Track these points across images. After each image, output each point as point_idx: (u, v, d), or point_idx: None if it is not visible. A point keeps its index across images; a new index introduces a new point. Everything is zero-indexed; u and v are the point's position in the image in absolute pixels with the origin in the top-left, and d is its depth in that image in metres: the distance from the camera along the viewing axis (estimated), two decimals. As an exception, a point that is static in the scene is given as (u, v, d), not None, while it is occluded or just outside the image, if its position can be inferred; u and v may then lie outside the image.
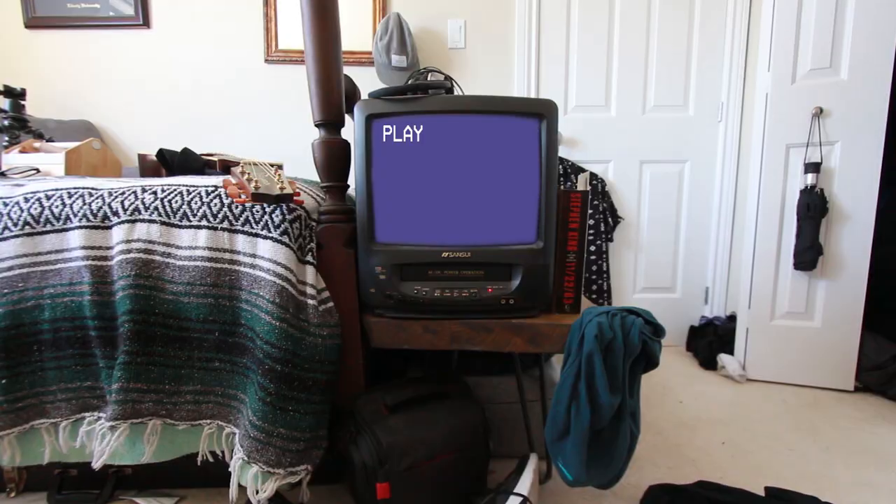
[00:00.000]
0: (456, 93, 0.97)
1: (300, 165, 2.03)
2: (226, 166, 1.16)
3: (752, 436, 1.29)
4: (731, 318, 2.01)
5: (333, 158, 0.86)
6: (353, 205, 0.89)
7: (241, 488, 0.80)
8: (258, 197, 0.74)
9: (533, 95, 2.08)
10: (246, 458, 0.77)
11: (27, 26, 2.01)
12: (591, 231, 2.08)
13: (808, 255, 1.56)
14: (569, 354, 0.79)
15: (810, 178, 1.57)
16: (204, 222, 0.83)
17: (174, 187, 0.86)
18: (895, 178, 1.63)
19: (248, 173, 0.81)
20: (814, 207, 1.55)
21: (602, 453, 0.76)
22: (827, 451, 1.21)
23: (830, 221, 1.59)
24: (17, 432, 0.82)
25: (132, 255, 0.80)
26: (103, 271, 0.81)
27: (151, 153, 1.19)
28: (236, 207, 0.84)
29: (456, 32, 2.05)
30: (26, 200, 0.84)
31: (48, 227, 0.83)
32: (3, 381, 0.80)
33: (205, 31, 2.04)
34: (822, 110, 1.56)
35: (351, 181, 0.92)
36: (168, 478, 0.99)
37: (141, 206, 0.83)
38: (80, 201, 0.84)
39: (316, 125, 0.85)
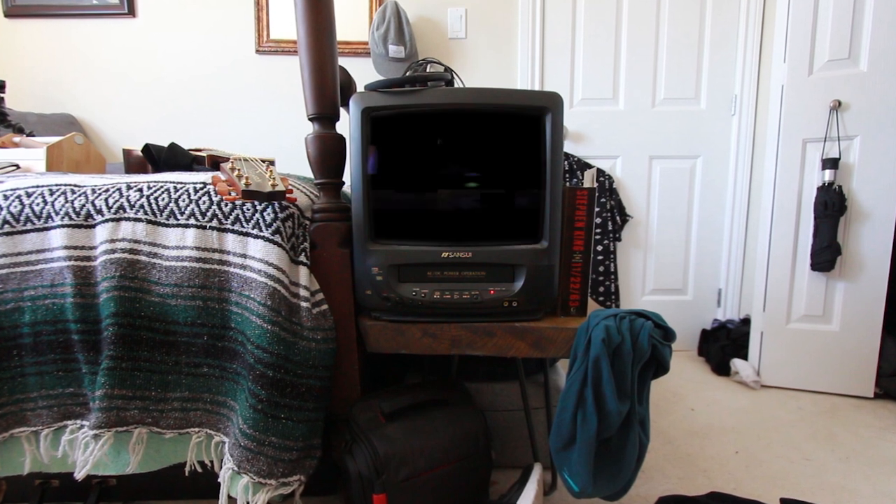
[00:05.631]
0: (456, 85, 0.97)
1: (293, 161, 2.03)
2: (215, 162, 1.16)
3: (766, 445, 1.29)
4: (745, 322, 2.01)
5: (328, 154, 0.86)
6: (349, 202, 0.89)
7: (231, 500, 0.80)
8: (249, 194, 0.74)
9: (537, 88, 2.08)
10: (236, 468, 0.78)
11: (6, 15, 2.01)
12: (598, 230, 2.08)
13: (826, 255, 1.56)
14: (575, 359, 0.79)
15: (828, 175, 1.57)
16: (192, 221, 0.83)
17: (161, 184, 0.86)
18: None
19: (239, 169, 0.81)
20: (832, 205, 1.55)
21: (610, 463, 0.76)
22: (846, 460, 1.21)
23: (849, 220, 1.59)
24: (-4, 441, 0.82)
25: (117, 255, 0.80)
26: (86, 272, 0.81)
27: (137, 148, 1.19)
28: (226, 205, 0.84)
29: (456, 22, 2.05)
30: (5, 198, 0.84)
31: (29, 226, 0.83)
32: (-18, 388, 0.80)
33: (193, 20, 2.04)
34: (840, 103, 1.56)
35: (346, 178, 0.92)
36: (154, 489, 0.99)
37: (126, 204, 0.83)
38: (62, 199, 0.84)
39: (309, 119, 0.85)
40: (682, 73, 2.05)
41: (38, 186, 0.85)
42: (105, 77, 2.06)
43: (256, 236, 0.82)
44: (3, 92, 1.43)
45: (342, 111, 0.96)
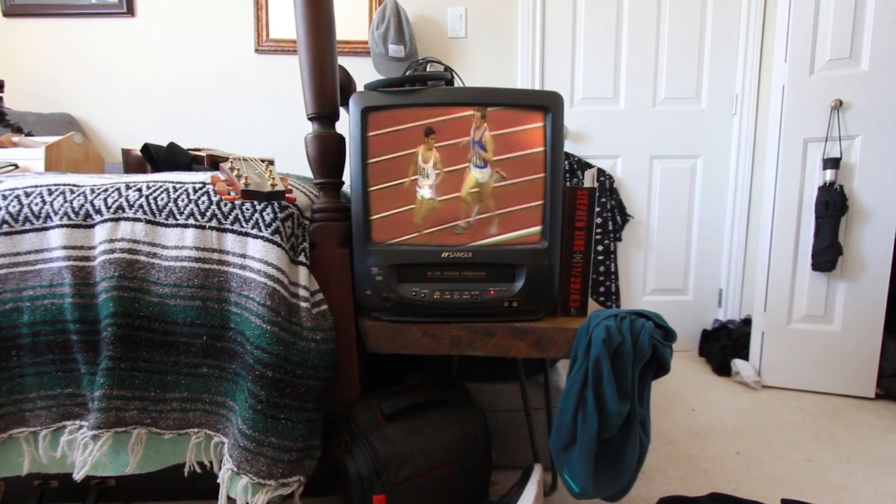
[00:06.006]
0: (456, 84, 0.97)
1: (293, 161, 2.03)
2: (214, 162, 1.16)
3: (768, 445, 1.29)
4: (746, 322, 2.01)
5: (327, 153, 0.86)
6: (349, 202, 0.89)
7: (231, 500, 0.80)
8: (248, 194, 0.74)
9: (537, 87, 2.08)
10: (235, 469, 0.78)
11: (5, 14, 2.01)
12: (599, 230, 2.08)
13: (827, 255, 1.56)
14: (575, 360, 0.79)
15: (829, 175, 1.57)
16: (191, 221, 0.83)
17: (160, 184, 0.86)
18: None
19: (238, 169, 0.81)
20: (833, 205, 1.55)
21: (610, 464, 0.76)
22: (847, 461, 1.21)
23: (850, 220, 1.59)
24: (-5, 442, 0.82)
25: (116, 255, 0.80)
26: (85, 272, 0.81)
27: (136, 148, 1.19)
28: (225, 205, 0.84)
29: (456, 21, 2.06)
30: (4, 198, 0.84)
31: (27, 226, 0.83)
32: (-20, 388, 0.80)
33: (192, 19, 2.04)
34: (841, 103, 1.56)
35: (346, 177, 0.92)
36: (153, 490, 0.99)
37: (125, 204, 0.83)
38: (60, 199, 0.84)
39: (309, 118, 0.85)
40: (683, 72, 2.05)
41: (36, 186, 0.85)
42: (104, 76, 2.06)
43: (256, 236, 0.82)
44: (2, 91, 1.43)
45: (342, 111, 0.96)
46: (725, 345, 1.91)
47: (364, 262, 0.84)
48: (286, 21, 2.04)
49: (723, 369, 1.85)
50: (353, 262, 0.87)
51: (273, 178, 0.80)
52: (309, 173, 1.28)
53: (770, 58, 1.96)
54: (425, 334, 0.87)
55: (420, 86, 0.83)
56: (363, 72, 2.02)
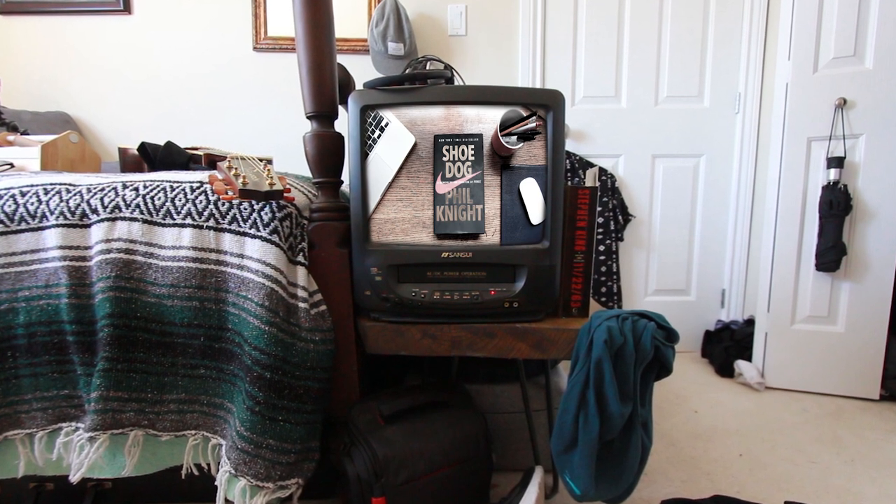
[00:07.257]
0: (456, 83, 0.97)
1: (291, 160, 2.03)
2: (212, 161, 1.16)
3: (771, 447, 1.29)
4: (749, 323, 2.01)
5: (326, 152, 0.86)
6: (348, 202, 0.89)
7: (229, 503, 0.80)
8: (246, 193, 0.74)
9: (538, 85, 2.08)
10: (233, 472, 0.77)
11: (1, 12, 2.01)
12: (601, 230, 2.08)
13: (831, 255, 1.56)
14: (576, 361, 0.79)
15: (833, 174, 1.57)
16: (188, 220, 0.83)
17: (157, 183, 0.86)
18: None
19: (236, 168, 0.81)
20: (837, 205, 1.54)
21: (612, 466, 0.76)
22: (851, 463, 1.21)
23: (854, 219, 1.59)
24: (-10, 444, 0.82)
25: (112, 255, 0.80)
26: (82, 272, 0.81)
27: (132, 147, 1.19)
28: (223, 205, 0.84)
29: (456, 18, 2.05)
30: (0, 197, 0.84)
31: (23, 226, 0.83)
32: (-25, 390, 0.80)
33: (189, 16, 2.04)
34: (845, 101, 1.56)
35: (345, 176, 0.92)
36: (150, 492, 0.99)
37: (121, 204, 0.83)
38: (56, 198, 0.84)
39: (308, 117, 0.85)
40: (686, 70, 2.05)
41: (32, 185, 0.85)
42: (100, 75, 2.06)
43: (254, 236, 0.82)
44: (-2, 90, 1.43)
45: (341, 109, 0.96)
46: (728, 346, 1.91)
47: (363, 262, 0.84)
48: (284, 19, 2.04)
49: (725, 370, 1.85)
50: (352, 262, 0.87)
51: (271, 178, 0.80)
52: (307, 172, 1.28)
53: (773, 56, 1.96)
54: (425, 335, 0.87)
55: (420, 84, 0.83)
56: (362, 70, 2.02)
